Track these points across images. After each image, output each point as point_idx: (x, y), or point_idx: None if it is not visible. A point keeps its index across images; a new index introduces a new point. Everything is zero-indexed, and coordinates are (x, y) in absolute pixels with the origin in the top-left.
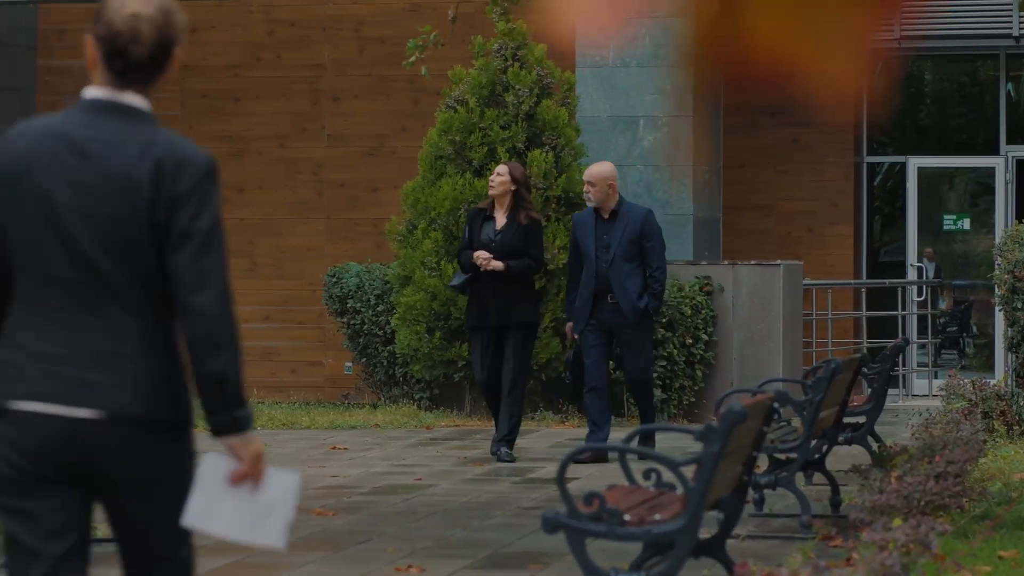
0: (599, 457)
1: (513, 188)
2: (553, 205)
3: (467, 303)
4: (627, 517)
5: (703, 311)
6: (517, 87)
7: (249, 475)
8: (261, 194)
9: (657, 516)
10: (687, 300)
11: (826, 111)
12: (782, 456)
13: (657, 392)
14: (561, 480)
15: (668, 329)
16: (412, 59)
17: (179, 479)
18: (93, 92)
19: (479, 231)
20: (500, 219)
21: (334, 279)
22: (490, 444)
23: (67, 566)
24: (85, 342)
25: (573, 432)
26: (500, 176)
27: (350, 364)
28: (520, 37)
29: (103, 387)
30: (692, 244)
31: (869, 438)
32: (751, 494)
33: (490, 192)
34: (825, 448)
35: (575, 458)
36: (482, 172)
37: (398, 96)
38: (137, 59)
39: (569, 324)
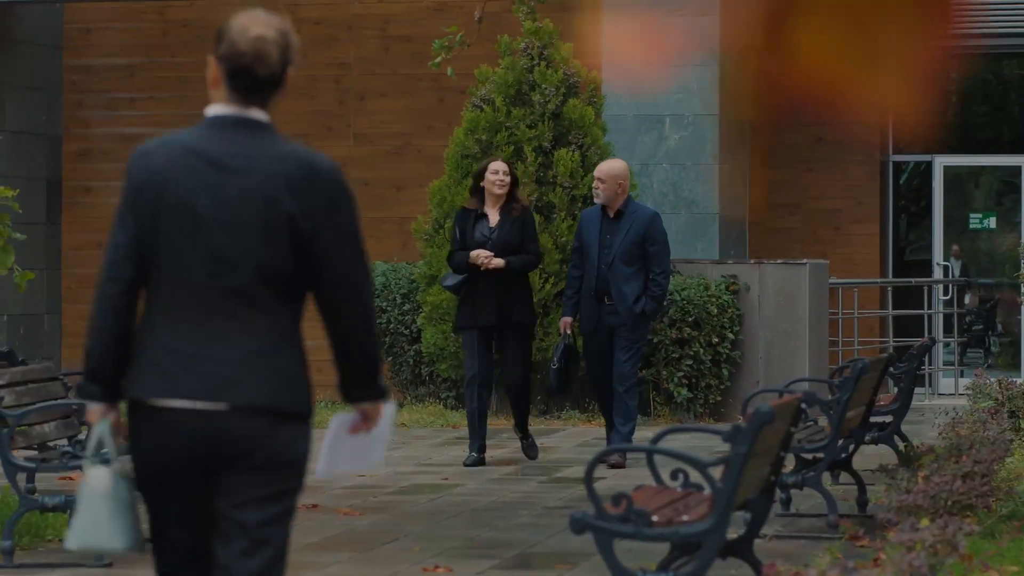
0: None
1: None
2: (580, 204)
3: (458, 303)
4: (655, 518)
5: (729, 310)
6: (543, 86)
7: (369, 428)
8: None
9: (685, 517)
10: (713, 299)
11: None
12: (809, 456)
13: (683, 391)
14: (589, 481)
15: (694, 328)
16: (438, 59)
17: (296, 464)
18: (219, 109)
19: (472, 231)
20: (493, 216)
21: None
22: (469, 456)
23: (193, 537)
24: (223, 343)
25: (599, 431)
26: (507, 175)
27: None
28: (546, 36)
29: (240, 383)
30: (718, 243)
31: (896, 437)
32: (778, 494)
33: (495, 191)
34: (852, 448)
35: (602, 459)
36: None
37: (423, 95)
38: (262, 78)
39: (565, 319)
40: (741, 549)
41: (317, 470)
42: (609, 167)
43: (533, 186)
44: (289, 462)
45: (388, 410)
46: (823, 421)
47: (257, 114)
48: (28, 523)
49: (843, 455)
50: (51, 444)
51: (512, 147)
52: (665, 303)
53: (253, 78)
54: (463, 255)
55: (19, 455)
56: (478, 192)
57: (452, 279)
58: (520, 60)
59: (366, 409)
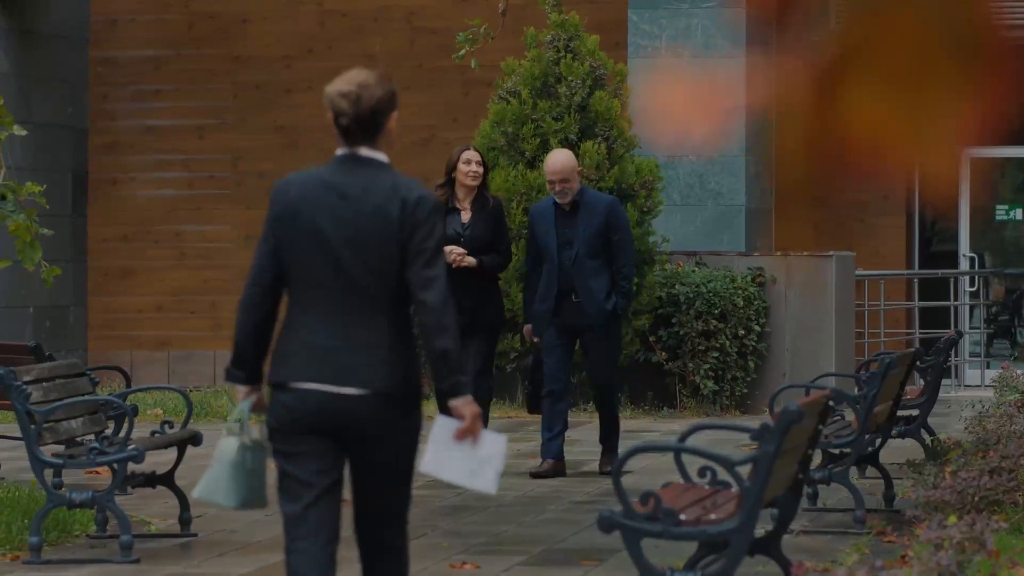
0: (558, 469)
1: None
2: None
3: None
4: (683, 516)
5: (755, 302)
6: (570, 78)
7: (469, 431)
8: None
9: (713, 516)
10: (740, 291)
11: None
12: (836, 451)
13: (709, 383)
14: (617, 480)
15: (721, 320)
16: (462, 52)
17: (410, 436)
18: (340, 151)
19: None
20: (465, 211)
21: None
22: None
23: (328, 496)
24: (347, 336)
25: (626, 424)
26: (479, 165)
27: None
28: (572, 28)
29: (361, 370)
30: (744, 235)
31: (922, 431)
32: (805, 488)
33: (468, 183)
34: (879, 442)
35: (536, 473)
36: (534, 163)
37: (449, 87)
38: (356, 124)
39: (527, 327)
40: (769, 547)
41: (423, 465)
42: (566, 161)
43: None
44: (401, 432)
45: (499, 441)
46: (850, 415)
47: (367, 152)
48: (55, 518)
49: (870, 449)
50: (78, 440)
51: (538, 139)
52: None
53: (352, 123)
54: None
55: (46, 451)
56: (448, 184)
57: None
58: (546, 52)
59: (456, 406)
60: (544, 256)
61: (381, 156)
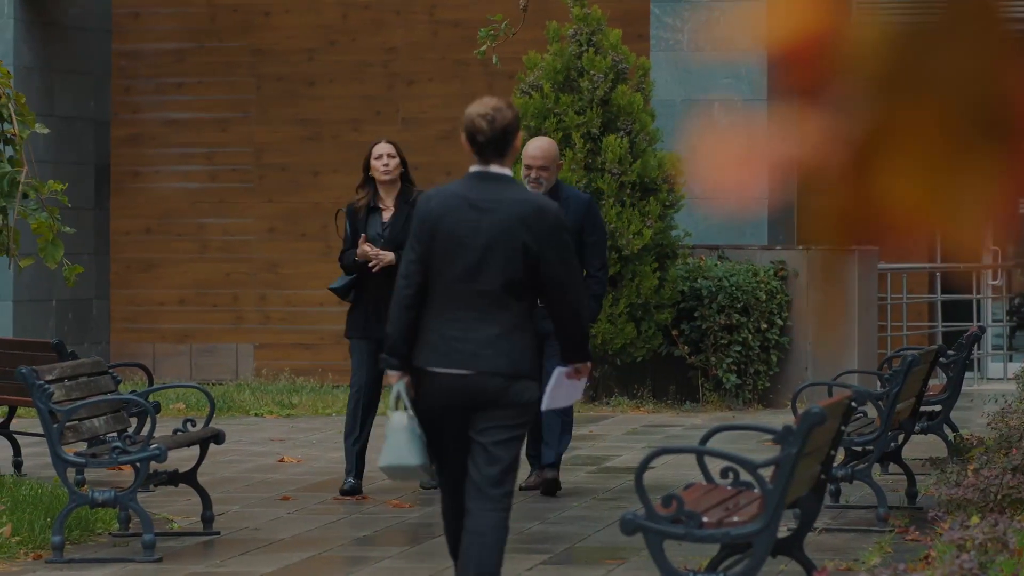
0: (549, 485)
1: (401, 169)
2: (628, 191)
3: (349, 309)
4: (705, 519)
5: (778, 296)
6: (592, 72)
7: (579, 378)
8: (336, 178)
9: (735, 518)
10: (762, 285)
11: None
12: (859, 448)
13: (732, 377)
14: (639, 483)
15: (743, 314)
16: (483, 48)
17: (524, 408)
18: (474, 167)
19: (364, 227)
20: (388, 209)
21: None
22: (346, 483)
23: (460, 458)
24: (476, 329)
25: (648, 418)
26: (392, 158)
27: None
28: (595, 22)
29: (487, 355)
30: (767, 228)
31: (945, 427)
32: (827, 486)
33: (381, 178)
34: (901, 439)
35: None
36: None
37: (472, 80)
38: (490, 142)
39: None
40: (791, 548)
41: (543, 403)
42: (547, 147)
43: (581, 172)
44: (518, 406)
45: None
46: (872, 412)
47: (496, 168)
48: (78, 517)
49: (892, 446)
50: (101, 437)
51: (560, 133)
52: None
53: (483, 143)
54: (351, 254)
55: (69, 450)
56: (369, 183)
57: (340, 280)
58: (568, 46)
59: (578, 367)
60: None
61: (508, 172)
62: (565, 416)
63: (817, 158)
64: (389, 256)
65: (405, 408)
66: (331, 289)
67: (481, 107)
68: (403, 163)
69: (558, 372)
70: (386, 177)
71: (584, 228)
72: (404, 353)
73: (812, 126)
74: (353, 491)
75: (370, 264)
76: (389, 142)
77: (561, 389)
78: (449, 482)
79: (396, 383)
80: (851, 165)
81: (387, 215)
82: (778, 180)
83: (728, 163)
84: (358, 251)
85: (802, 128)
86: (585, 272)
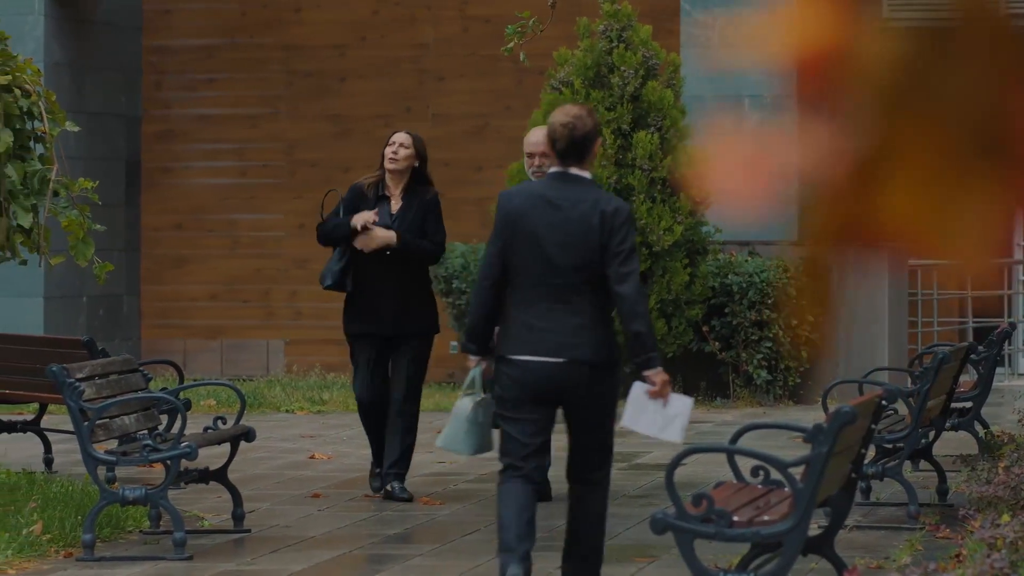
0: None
1: (416, 163)
2: (659, 187)
3: (346, 303)
4: (736, 518)
5: (808, 291)
6: (622, 68)
7: (659, 394)
8: (366, 173)
9: (766, 517)
10: (792, 281)
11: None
12: (889, 445)
13: (763, 373)
14: (670, 483)
15: (774, 310)
16: (511, 44)
17: (607, 393)
18: (554, 169)
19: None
20: (395, 199)
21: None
22: (369, 478)
23: (538, 454)
24: (558, 319)
25: None
26: (405, 148)
27: (455, 344)
28: (625, 18)
29: (568, 344)
30: (798, 223)
31: (976, 424)
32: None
33: (390, 166)
34: (932, 436)
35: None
36: None
37: (502, 75)
38: (571, 147)
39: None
40: (822, 546)
41: (623, 421)
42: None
43: (612, 168)
44: (601, 392)
45: (686, 402)
46: (903, 409)
47: (576, 170)
48: (108, 514)
49: (923, 442)
50: (132, 435)
51: None
52: None
53: (565, 147)
54: (338, 223)
55: (99, 447)
56: (381, 170)
57: (330, 272)
58: (599, 42)
59: (648, 375)
60: None
61: (586, 174)
62: None
63: (823, 166)
64: (389, 235)
65: (475, 393)
66: (328, 287)
67: (563, 116)
68: (422, 160)
69: (636, 387)
70: (392, 165)
71: None
72: (483, 340)
73: (822, 135)
74: (398, 498)
75: (357, 238)
76: (410, 134)
77: (646, 412)
78: (520, 477)
79: (473, 368)
80: (858, 174)
81: (396, 206)
82: (802, 179)
83: (747, 165)
84: (354, 217)
85: (811, 136)
86: None
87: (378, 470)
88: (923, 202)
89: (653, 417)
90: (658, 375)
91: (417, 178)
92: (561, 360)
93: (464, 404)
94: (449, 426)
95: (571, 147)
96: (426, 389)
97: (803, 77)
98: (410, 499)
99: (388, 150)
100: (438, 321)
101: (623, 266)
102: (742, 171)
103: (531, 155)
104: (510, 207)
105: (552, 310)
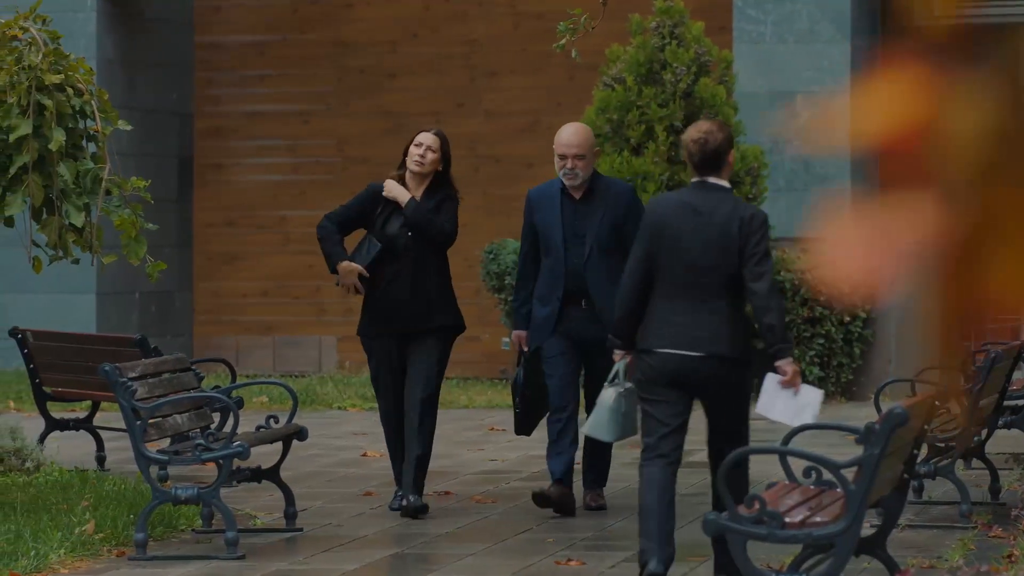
0: (564, 502)
1: (440, 167)
2: None
3: (364, 301)
4: (788, 519)
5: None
6: (675, 65)
7: (790, 383)
8: None
9: (818, 518)
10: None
11: None
12: (941, 444)
13: (815, 370)
14: (722, 483)
15: (826, 307)
16: (562, 42)
17: (742, 384)
18: (694, 179)
19: (384, 218)
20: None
21: (491, 256)
22: (393, 499)
23: (676, 434)
24: (697, 316)
25: None
26: (432, 152)
27: (507, 340)
28: (677, 15)
29: (706, 340)
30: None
31: None
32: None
33: (414, 168)
34: (985, 434)
35: (539, 495)
36: (639, 150)
37: (553, 71)
38: (705, 160)
39: (517, 333)
40: (874, 547)
41: (757, 408)
42: (583, 135)
43: (664, 165)
44: (734, 384)
45: (816, 392)
46: (956, 408)
47: (712, 180)
48: (161, 513)
49: (976, 441)
50: (185, 434)
51: (643, 126)
52: None
53: (700, 159)
54: (331, 254)
55: (152, 446)
56: (403, 168)
57: (367, 252)
58: (651, 39)
59: (779, 365)
60: (545, 251)
61: (724, 183)
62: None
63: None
64: (404, 192)
65: (619, 384)
66: (364, 266)
67: (696, 132)
68: (446, 162)
69: (769, 377)
70: (417, 168)
71: (628, 219)
72: (628, 336)
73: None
74: (413, 510)
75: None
76: (438, 135)
77: (779, 400)
78: (660, 456)
79: (618, 362)
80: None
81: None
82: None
83: (859, 253)
84: (347, 268)
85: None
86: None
87: (399, 491)
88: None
89: (785, 405)
90: (789, 365)
91: (440, 180)
92: (699, 354)
93: (608, 394)
94: (594, 414)
95: (705, 160)
96: (478, 385)
97: (890, 158)
98: (426, 509)
99: (414, 151)
100: (460, 318)
101: (758, 266)
102: (857, 259)
103: (563, 156)
104: (657, 214)
105: (692, 307)
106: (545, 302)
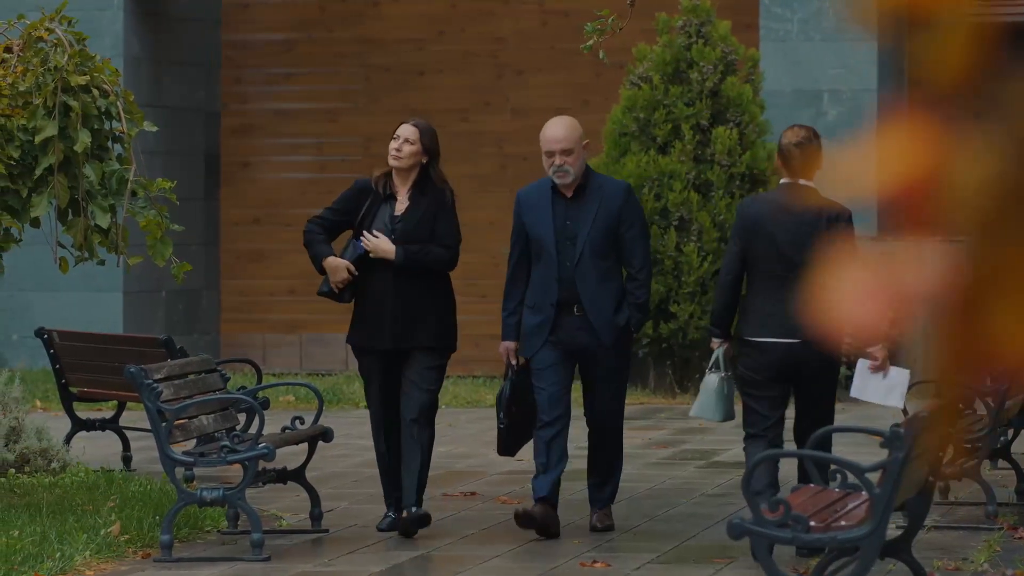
0: (548, 524)
1: (424, 160)
2: (737, 182)
3: (353, 314)
4: (812, 523)
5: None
6: (701, 64)
7: (879, 368)
8: (444, 167)
9: (843, 522)
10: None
11: None
12: (967, 444)
13: (842, 369)
14: (746, 487)
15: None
16: (590, 43)
17: (834, 371)
18: (784, 180)
19: (372, 215)
20: (402, 200)
21: None
22: (384, 518)
23: (778, 424)
24: (787, 304)
25: None
26: (409, 144)
27: None
28: (704, 14)
29: (799, 327)
30: (877, 219)
31: None
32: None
33: (393, 163)
34: (1011, 435)
35: (521, 514)
36: (666, 149)
37: (580, 70)
38: (806, 162)
39: (506, 344)
40: (899, 550)
41: (851, 391)
42: (569, 128)
43: (691, 164)
44: (827, 367)
45: (902, 372)
46: (981, 408)
47: (803, 181)
48: (186, 515)
49: (1001, 441)
50: (210, 435)
51: (670, 125)
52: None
53: (801, 162)
54: (316, 255)
55: (177, 448)
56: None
57: (350, 253)
58: (678, 38)
59: (869, 351)
60: (536, 254)
61: (812, 184)
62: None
63: (943, 292)
64: (388, 247)
65: (719, 370)
66: (320, 292)
67: (793, 136)
68: (431, 155)
69: (860, 362)
70: (395, 162)
71: (622, 219)
72: (726, 326)
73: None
74: (415, 520)
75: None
76: (417, 125)
77: (870, 383)
78: (762, 445)
79: (717, 349)
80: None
81: (400, 207)
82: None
83: (870, 298)
84: (334, 263)
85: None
86: (625, 273)
87: (390, 514)
88: None
89: (877, 387)
90: (879, 350)
91: (427, 175)
92: (796, 340)
93: (712, 379)
94: (700, 398)
95: (805, 164)
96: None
97: (906, 206)
98: (428, 519)
99: (392, 144)
100: (453, 336)
101: (852, 253)
102: (868, 306)
103: (550, 153)
104: (751, 212)
105: (782, 298)
106: (537, 310)
